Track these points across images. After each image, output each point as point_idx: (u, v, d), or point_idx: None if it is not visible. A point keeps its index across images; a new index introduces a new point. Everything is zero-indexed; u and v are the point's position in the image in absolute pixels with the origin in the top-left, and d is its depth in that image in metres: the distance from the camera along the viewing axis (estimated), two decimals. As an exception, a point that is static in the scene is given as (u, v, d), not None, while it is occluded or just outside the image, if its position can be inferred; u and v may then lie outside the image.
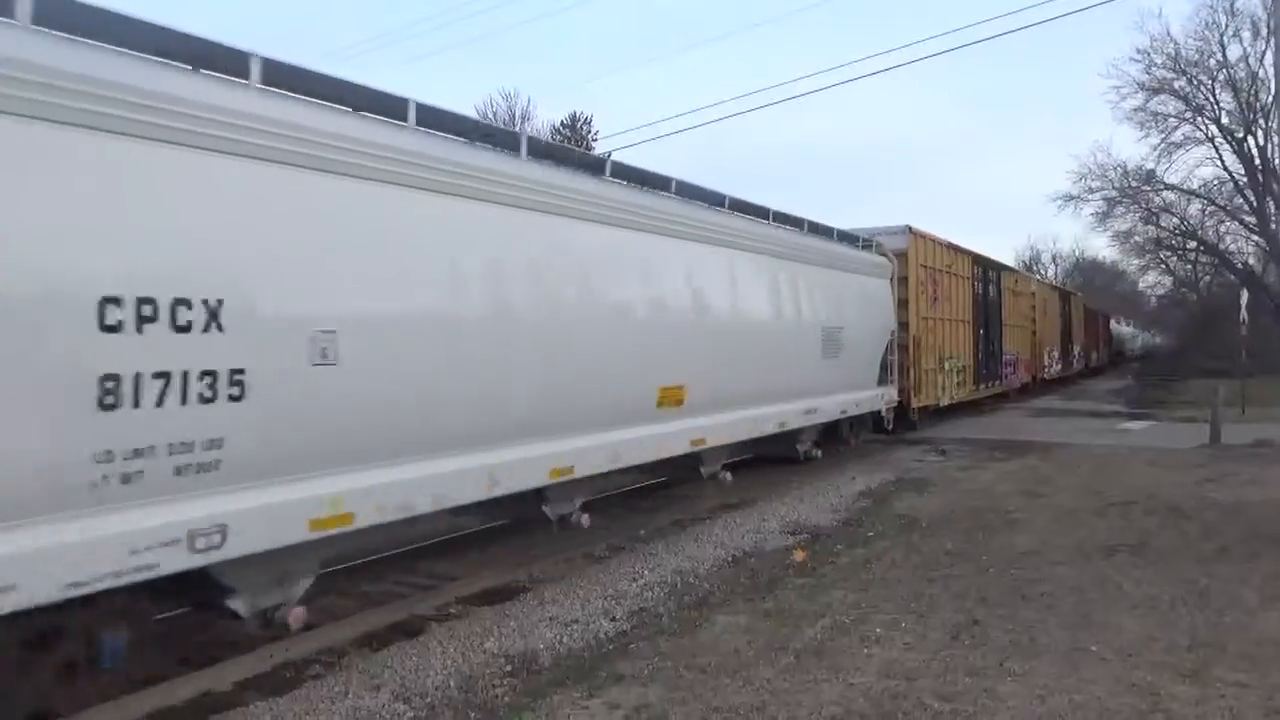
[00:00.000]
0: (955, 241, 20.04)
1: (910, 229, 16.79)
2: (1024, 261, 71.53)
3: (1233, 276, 41.36)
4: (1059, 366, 33.40)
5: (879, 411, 14.79)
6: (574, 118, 38.67)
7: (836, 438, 13.92)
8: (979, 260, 21.87)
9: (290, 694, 5.10)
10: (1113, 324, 57.92)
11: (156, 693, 5.04)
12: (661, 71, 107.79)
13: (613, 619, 6.41)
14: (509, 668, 5.48)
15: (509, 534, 8.96)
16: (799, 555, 8.10)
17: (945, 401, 18.42)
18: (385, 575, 7.50)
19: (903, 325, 15.90)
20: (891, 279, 15.21)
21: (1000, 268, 24.46)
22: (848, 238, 13.65)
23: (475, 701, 5.00)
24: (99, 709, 4.78)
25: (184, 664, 5.51)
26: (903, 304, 16.00)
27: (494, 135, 7.14)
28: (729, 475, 10.41)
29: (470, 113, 8.71)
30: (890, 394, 15.04)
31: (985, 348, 21.88)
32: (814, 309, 11.78)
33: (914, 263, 16.66)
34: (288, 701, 4.98)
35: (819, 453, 12.93)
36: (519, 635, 6.03)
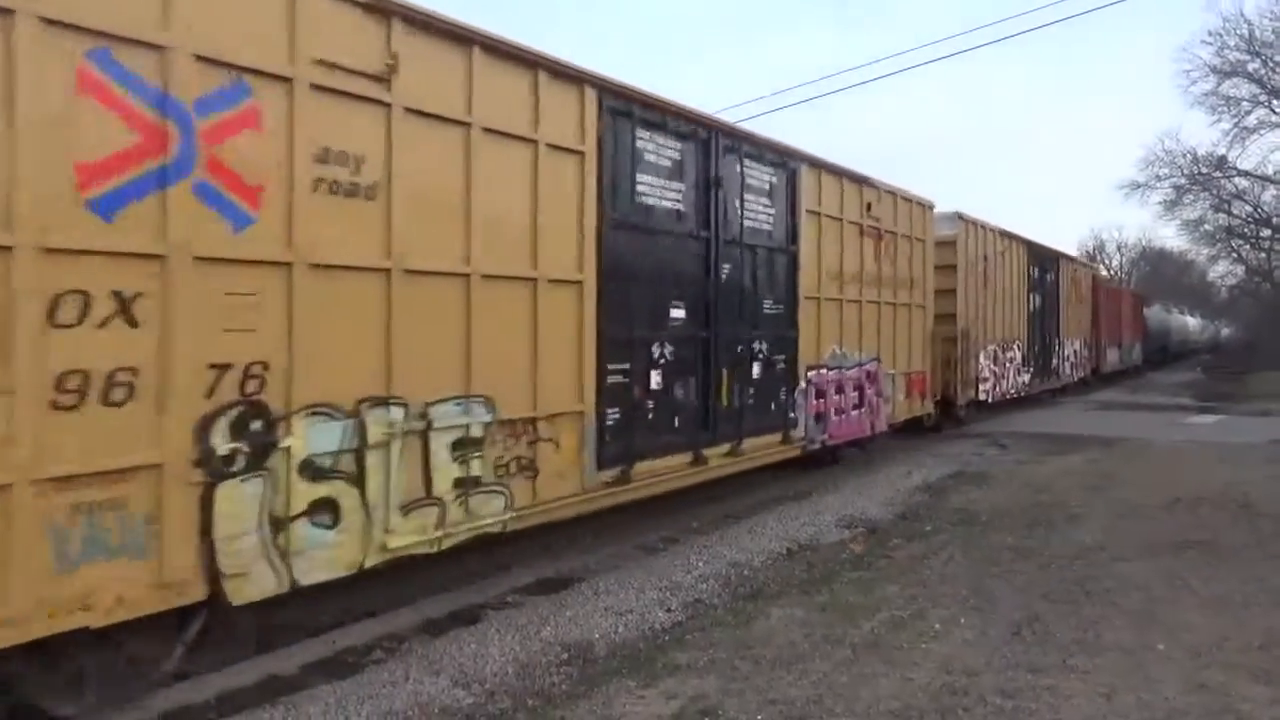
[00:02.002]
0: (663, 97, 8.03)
1: None
2: (1087, 251, 69.19)
3: (1309, 265, 39.85)
4: (1025, 377, 20.13)
5: None
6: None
7: None
8: (688, 125, 8.55)
9: (353, 678, 5.21)
10: (1159, 310, 46.82)
11: (224, 675, 5.19)
12: (710, 62, 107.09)
13: (668, 610, 6.43)
14: (565, 656, 5.54)
15: (562, 525, 9.02)
16: (857, 548, 8.03)
17: (306, 581, 5.21)
18: (443, 564, 7.60)
19: None
20: None
21: (797, 159, 10.31)
22: None
23: (533, 689, 5.06)
24: (172, 689, 4.95)
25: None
26: None
27: None
28: None
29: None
30: None
31: (712, 361, 8.84)
32: None
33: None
34: (351, 685, 5.09)
35: None
36: (575, 625, 6.08)
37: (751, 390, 9.58)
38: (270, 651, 5.52)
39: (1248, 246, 47.43)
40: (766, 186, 9.86)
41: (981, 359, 17.28)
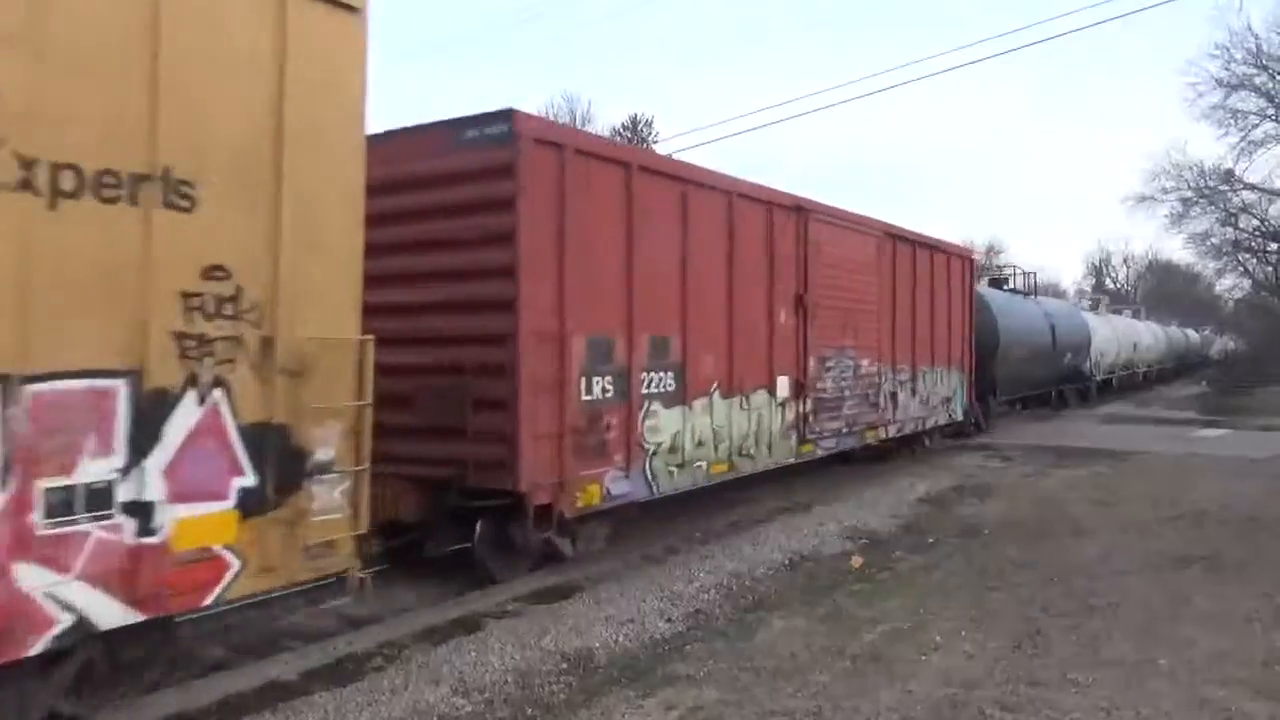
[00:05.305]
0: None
1: None
2: (1093, 264, 68.84)
3: (1316, 280, 39.75)
4: None
5: None
6: (635, 119, 38.76)
7: None
8: None
9: (353, 685, 5.22)
10: (1038, 305, 22.73)
11: (225, 680, 5.21)
12: (725, 73, 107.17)
13: (668, 620, 6.42)
14: (565, 665, 5.54)
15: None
16: (856, 563, 8.02)
17: None
18: (445, 572, 7.62)
19: None
20: None
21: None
22: None
23: (532, 698, 5.06)
24: (171, 691, 4.96)
25: (251, 653, 5.68)
26: None
27: None
28: None
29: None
30: None
31: None
32: None
33: None
34: (351, 692, 5.10)
35: None
36: (575, 634, 6.08)
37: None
38: (270, 657, 5.54)
39: (1254, 260, 47.34)
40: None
41: None
